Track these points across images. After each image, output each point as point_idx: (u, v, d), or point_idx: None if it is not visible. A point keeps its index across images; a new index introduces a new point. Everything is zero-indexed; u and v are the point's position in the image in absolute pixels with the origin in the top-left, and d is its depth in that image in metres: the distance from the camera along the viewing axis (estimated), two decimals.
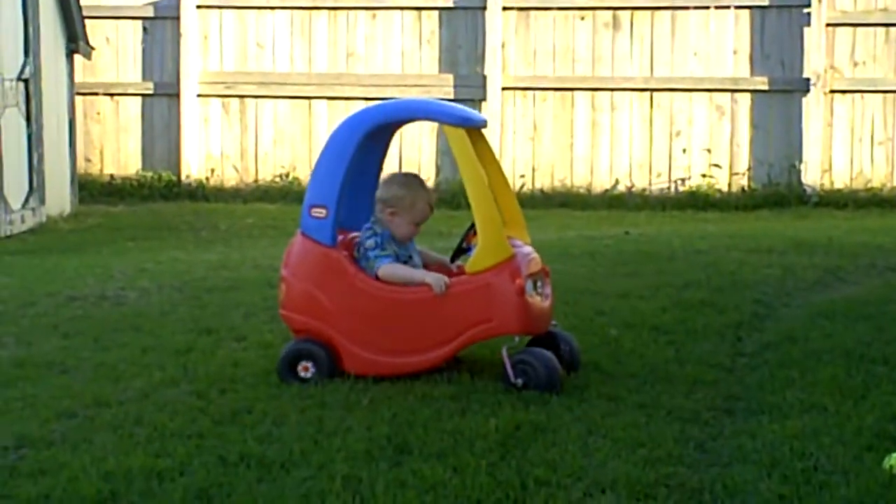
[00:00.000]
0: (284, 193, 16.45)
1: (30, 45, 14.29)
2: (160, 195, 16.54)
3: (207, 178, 16.76)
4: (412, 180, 6.52)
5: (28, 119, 14.28)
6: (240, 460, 5.11)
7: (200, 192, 16.52)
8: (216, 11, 16.85)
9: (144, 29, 17.05)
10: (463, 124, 6.30)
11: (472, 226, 6.32)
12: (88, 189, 16.48)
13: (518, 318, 6.16)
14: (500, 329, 6.17)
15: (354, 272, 6.27)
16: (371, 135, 6.40)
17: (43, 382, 6.49)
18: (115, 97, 17.13)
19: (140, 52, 17.08)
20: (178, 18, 16.80)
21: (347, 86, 16.55)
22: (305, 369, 6.28)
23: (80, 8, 15.44)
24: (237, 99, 16.83)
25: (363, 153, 6.41)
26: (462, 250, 6.49)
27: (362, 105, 16.29)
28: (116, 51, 17.09)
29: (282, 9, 16.75)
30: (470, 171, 6.21)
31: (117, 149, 17.17)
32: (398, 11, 16.57)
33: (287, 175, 16.76)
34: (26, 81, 14.24)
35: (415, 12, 16.53)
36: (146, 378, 6.47)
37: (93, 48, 16.11)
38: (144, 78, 17.08)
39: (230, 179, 16.87)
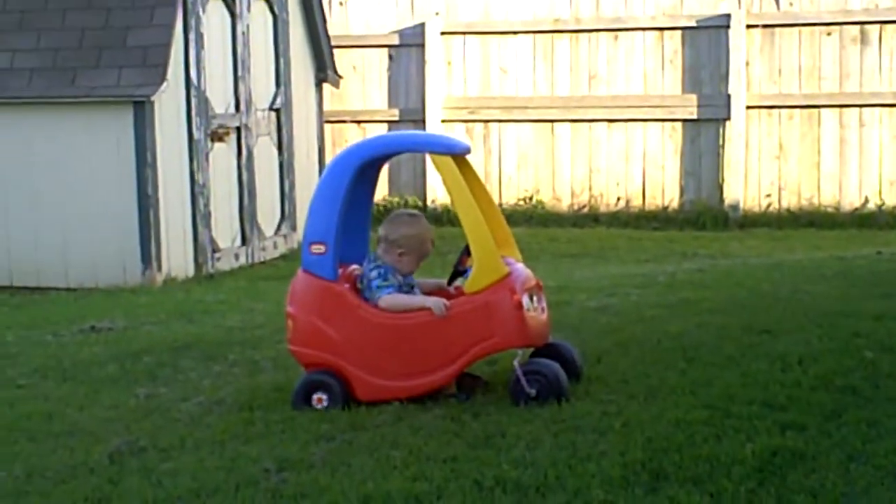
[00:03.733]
0: (528, 217, 16.53)
1: (281, 76, 14.69)
2: None
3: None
4: (417, 219, 6.79)
5: (279, 147, 14.68)
6: (495, 484, 5.14)
7: (446, 217, 16.63)
8: (460, 38, 17.04)
9: (390, 56, 17.35)
10: (448, 152, 6.54)
11: (466, 248, 6.53)
12: None
13: (518, 333, 6.39)
14: (502, 344, 6.43)
15: (358, 303, 6.51)
16: (361, 170, 6.59)
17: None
18: (362, 124, 17.46)
19: (386, 80, 17.39)
20: (422, 45, 17.06)
21: (590, 108, 16.56)
22: (319, 401, 6.51)
23: (328, 38, 15.81)
24: (481, 123, 16.99)
25: (354, 187, 6.59)
26: (458, 273, 6.69)
27: (605, 127, 16.45)
28: (363, 78, 17.44)
29: (524, 33, 16.84)
30: (460, 196, 6.44)
31: None
32: (640, 32, 16.50)
33: (531, 198, 16.84)
34: (278, 111, 14.64)
35: (657, 33, 16.44)
36: (399, 401, 6.57)
37: (340, 77, 16.46)
38: (390, 105, 17.38)
39: None
